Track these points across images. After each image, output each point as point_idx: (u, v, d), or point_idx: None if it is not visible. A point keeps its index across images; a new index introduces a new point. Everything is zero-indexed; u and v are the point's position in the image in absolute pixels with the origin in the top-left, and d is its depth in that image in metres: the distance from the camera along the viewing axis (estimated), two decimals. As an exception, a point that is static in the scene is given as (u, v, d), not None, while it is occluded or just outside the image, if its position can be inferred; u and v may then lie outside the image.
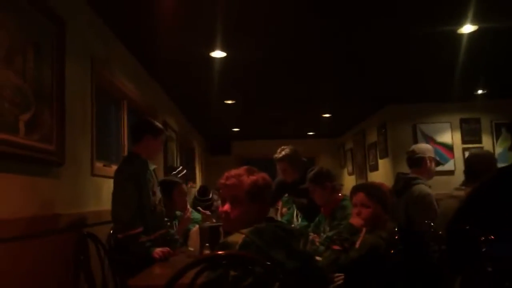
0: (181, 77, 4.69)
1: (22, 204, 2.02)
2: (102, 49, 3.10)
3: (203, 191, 4.79)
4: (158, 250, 2.42)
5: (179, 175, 4.49)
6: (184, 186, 3.28)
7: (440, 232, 2.30)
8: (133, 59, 3.88)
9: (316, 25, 3.38)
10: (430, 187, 2.90)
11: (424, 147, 3.12)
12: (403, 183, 2.91)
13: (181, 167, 4.77)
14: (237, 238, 1.40)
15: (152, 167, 2.71)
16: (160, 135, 2.71)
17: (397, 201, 2.94)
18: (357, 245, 2.12)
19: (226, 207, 1.58)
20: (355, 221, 2.24)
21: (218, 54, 3.79)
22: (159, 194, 2.69)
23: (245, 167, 1.63)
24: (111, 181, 2.59)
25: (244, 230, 1.41)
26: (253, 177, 1.57)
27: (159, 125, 2.80)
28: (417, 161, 2.99)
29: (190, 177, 6.86)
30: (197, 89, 5.24)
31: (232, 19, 3.14)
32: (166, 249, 2.47)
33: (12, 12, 1.94)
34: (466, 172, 2.69)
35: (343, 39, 3.69)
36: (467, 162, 2.75)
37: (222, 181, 1.61)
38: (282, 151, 3.37)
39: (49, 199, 2.28)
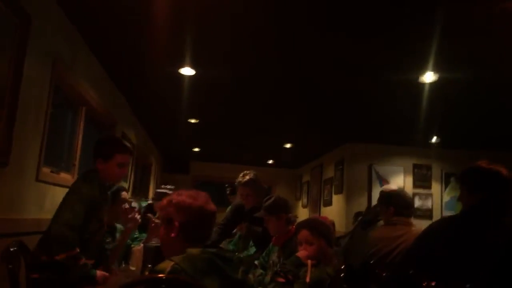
0: (147, 90, 4.61)
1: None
2: (67, 51, 3.00)
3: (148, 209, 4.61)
4: (99, 274, 2.16)
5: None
6: (123, 193, 2.99)
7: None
8: (98, 67, 3.78)
9: (287, 59, 3.45)
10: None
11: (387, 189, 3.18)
12: (373, 215, 2.97)
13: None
14: (166, 265, 1.34)
15: (114, 188, 2.52)
16: (112, 157, 2.27)
17: (363, 233, 2.96)
18: (307, 279, 2.09)
19: (161, 230, 1.50)
20: (301, 254, 2.23)
21: (187, 71, 3.76)
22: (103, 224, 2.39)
23: (191, 190, 1.56)
24: (57, 189, 2.45)
25: (175, 258, 1.35)
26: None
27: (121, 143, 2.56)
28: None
29: None
30: (161, 105, 5.16)
31: (204, 37, 3.13)
32: (106, 275, 2.23)
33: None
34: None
35: (310, 75, 3.79)
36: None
37: (162, 203, 1.53)
38: (246, 176, 3.29)
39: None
